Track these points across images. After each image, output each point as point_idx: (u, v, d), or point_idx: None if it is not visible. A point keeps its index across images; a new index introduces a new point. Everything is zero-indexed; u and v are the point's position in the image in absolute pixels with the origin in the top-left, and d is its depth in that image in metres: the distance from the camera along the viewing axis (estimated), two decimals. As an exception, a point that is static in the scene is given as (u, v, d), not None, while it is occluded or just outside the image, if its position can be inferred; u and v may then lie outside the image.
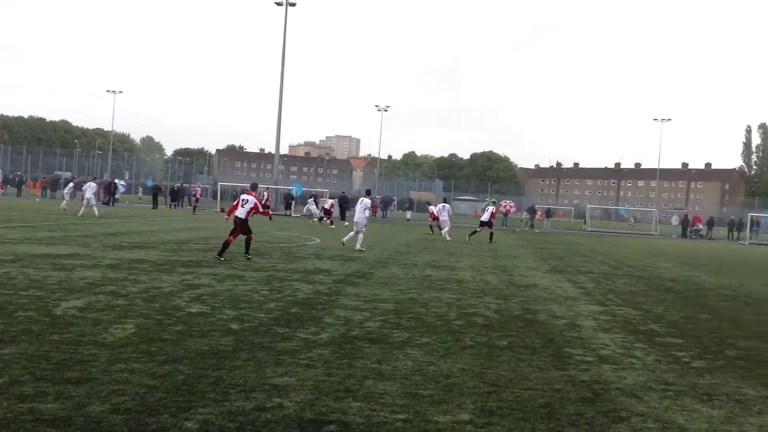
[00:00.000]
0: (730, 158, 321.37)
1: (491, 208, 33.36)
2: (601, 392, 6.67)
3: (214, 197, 61.42)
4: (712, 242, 52.73)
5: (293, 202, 55.15)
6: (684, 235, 57.89)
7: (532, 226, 56.57)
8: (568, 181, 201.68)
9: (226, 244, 16.96)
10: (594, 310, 12.23)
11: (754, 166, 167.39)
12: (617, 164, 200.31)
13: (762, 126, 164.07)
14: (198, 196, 51.00)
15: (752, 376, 7.66)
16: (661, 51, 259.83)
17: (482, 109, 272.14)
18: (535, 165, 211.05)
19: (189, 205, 52.91)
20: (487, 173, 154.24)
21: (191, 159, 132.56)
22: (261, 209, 17.93)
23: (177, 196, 54.28)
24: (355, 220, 22.83)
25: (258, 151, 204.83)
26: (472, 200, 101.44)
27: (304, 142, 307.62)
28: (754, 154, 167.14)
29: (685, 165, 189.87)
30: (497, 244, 30.53)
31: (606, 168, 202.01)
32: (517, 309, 11.77)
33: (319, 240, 26.64)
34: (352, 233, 22.82)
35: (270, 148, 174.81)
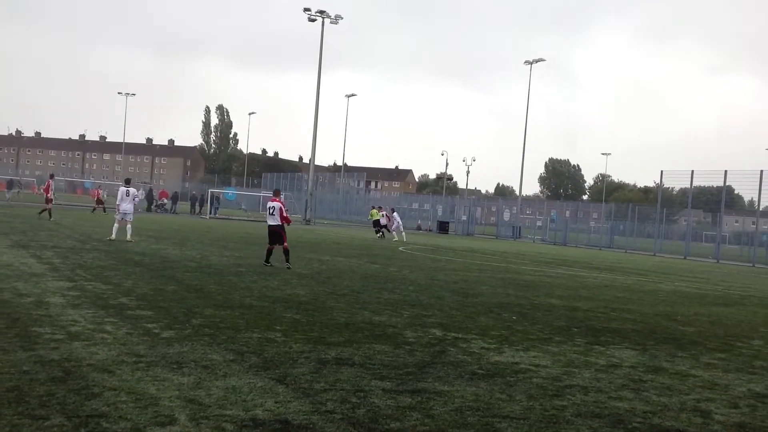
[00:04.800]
0: (191, 136, 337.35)
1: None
2: (72, 370, 6.53)
3: None
4: (176, 216, 54.94)
5: None
6: (149, 209, 59.10)
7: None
8: (29, 151, 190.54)
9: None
10: (62, 286, 11.85)
11: (213, 145, 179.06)
12: (82, 136, 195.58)
13: (219, 107, 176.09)
14: None
15: (217, 342, 8.25)
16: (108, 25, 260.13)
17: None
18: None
19: None
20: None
21: None
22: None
23: None
24: None
25: None
26: None
27: None
28: (213, 134, 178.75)
29: (149, 140, 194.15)
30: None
31: (70, 139, 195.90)
32: (-25, 289, 10.80)
33: None
34: None
35: None
